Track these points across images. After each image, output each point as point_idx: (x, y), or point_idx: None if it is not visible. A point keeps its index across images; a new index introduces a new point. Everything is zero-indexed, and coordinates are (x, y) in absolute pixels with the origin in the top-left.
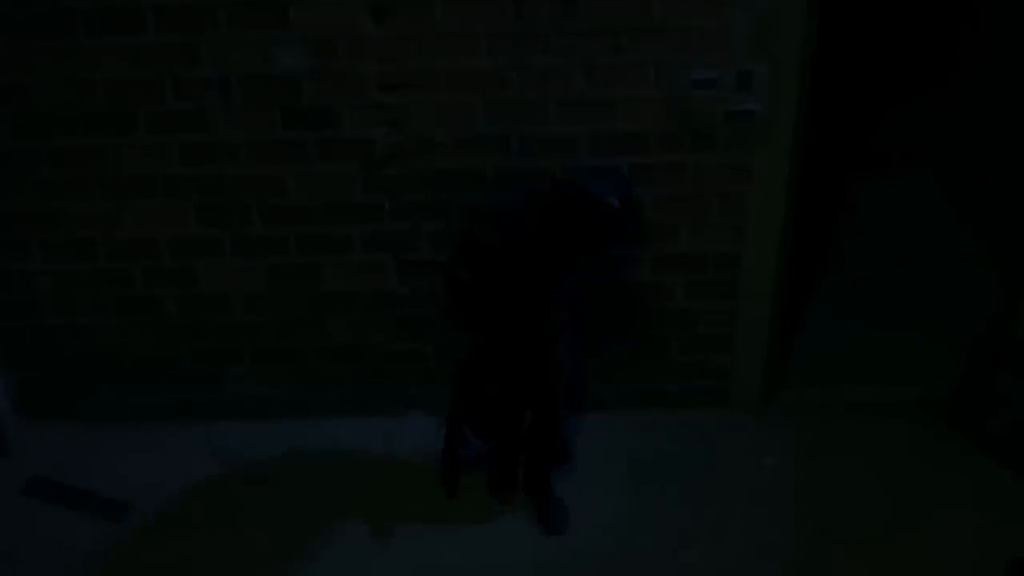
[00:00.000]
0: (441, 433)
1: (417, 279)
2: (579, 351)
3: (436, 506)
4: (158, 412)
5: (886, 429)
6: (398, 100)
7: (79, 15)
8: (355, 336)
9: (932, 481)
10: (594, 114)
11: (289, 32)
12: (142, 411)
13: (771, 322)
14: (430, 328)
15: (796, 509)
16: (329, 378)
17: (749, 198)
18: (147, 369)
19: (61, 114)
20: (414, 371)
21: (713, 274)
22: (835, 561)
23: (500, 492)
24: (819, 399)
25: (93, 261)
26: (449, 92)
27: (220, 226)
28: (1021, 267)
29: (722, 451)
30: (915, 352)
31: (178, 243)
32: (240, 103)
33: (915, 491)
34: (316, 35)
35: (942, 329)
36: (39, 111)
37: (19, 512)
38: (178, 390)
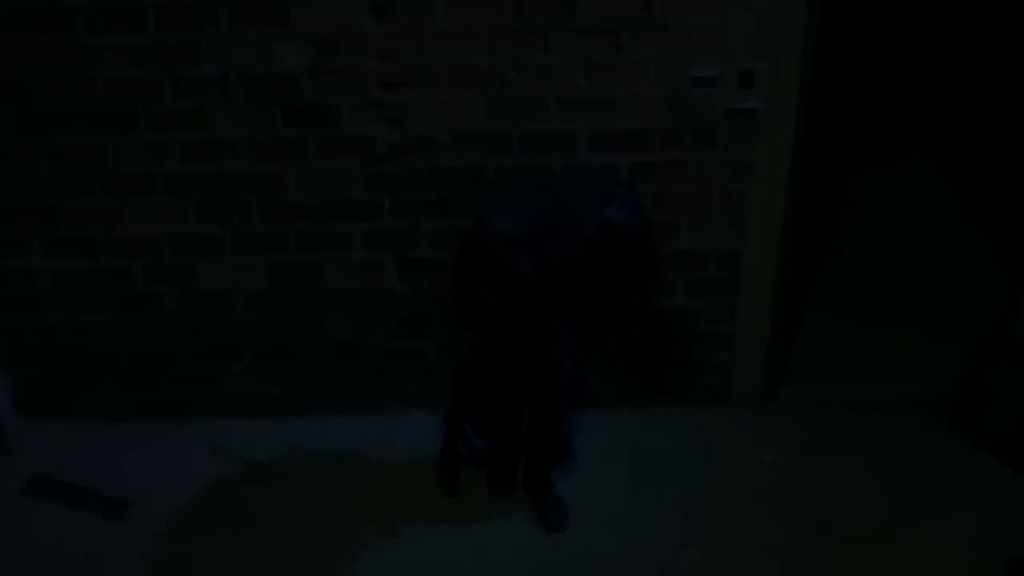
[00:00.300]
0: (441, 432)
1: (417, 277)
2: (579, 349)
3: (436, 505)
4: (158, 409)
5: (886, 426)
6: (398, 98)
7: (80, 13)
8: (355, 334)
9: (932, 478)
10: (594, 111)
11: (289, 30)
12: (142, 408)
13: (771, 319)
14: (430, 326)
15: (796, 506)
16: (329, 376)
17: (750, 195)
18: (147, 366)
19: (61, 111)
20: (414, 369)
21: (714, 271)
22: (835, 558)
23: (501, 490)
24: (819, 396)
25: (93, 258)
26: (449, 90)
27: (220, 223)
28: (1022, 264)
29: (722, 448)
30: (915, 350)
31: (178, 240)
32: (240, 100)
33: (915, 488)
34: (316, 32)
35: (942, 327)
36: (40, 108)
37: (19, 511)
38: (178, 387)
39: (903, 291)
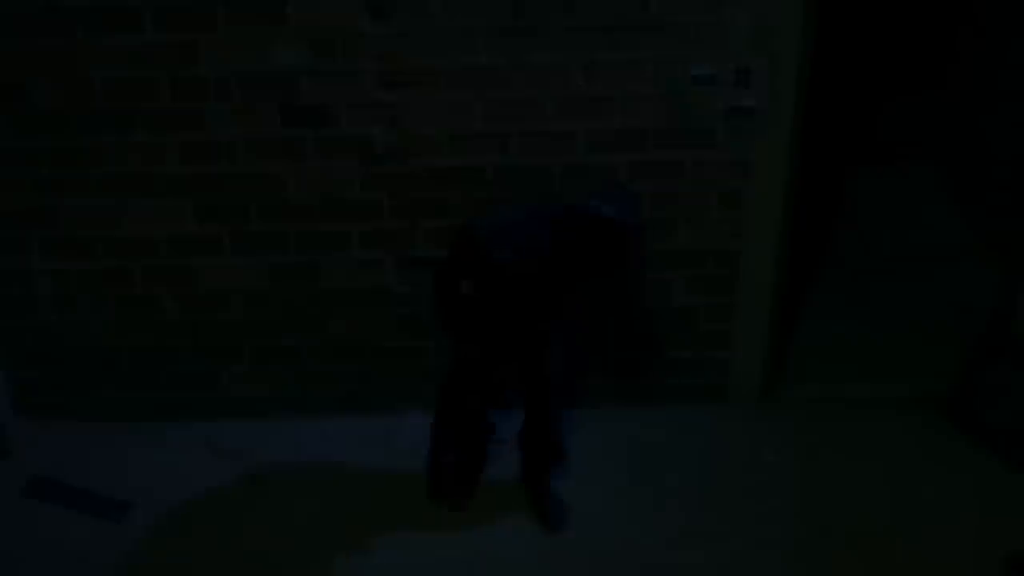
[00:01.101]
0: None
1: (416, 277)
2: (576, 349)
3: (436, 504)
4: (158, 410)
5: (885, 424)
6: (396, 98)
7: (79, 15)
8: (354, 334)
9: (931, 475)
10: (593, 111)
11: (287, 30)
12: (142, 410)
13: (770, 317)
14: (429, 325)
15: (796, 504)
16: (328, 376)
17: (748, 194)
18: (147, 367)
19: (61, 112)
20: (413, 369)
21: (713, 270)
22: (834, 555)
23: (448, 495)
24: (818, 394)
25: (92, 259)
26: (447, 90)
27: (219, 224)
28: (1021, 262)
29: (721, 447)
30: (914, 348)
31: (177, 241)
32: (239, 101)
33: (914, 485)
34: (314, 33)
35: (941, 325)
36: (39, 109)
37: (19, 512)
38: (178, 388)
39: (902, 289)
